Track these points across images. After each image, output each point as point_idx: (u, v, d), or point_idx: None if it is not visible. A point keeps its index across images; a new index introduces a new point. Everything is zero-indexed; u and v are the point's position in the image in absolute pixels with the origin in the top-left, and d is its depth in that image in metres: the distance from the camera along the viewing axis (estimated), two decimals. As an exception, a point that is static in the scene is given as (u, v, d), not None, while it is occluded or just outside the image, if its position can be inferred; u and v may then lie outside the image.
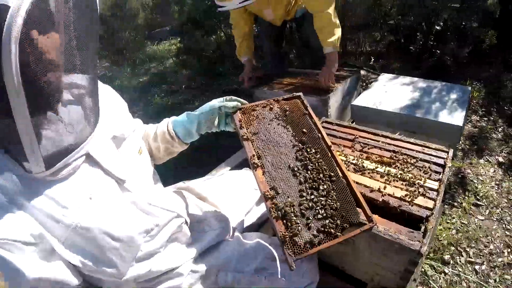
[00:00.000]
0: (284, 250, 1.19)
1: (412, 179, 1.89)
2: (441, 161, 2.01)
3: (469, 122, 4.01)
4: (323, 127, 2.39)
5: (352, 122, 3.34)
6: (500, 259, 2.54)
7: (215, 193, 1.83)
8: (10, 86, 0.75)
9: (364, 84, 4.61)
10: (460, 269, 2.51)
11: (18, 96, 0.77)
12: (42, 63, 0.84)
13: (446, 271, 2.50)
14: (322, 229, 1.26)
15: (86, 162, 1.09)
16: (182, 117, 1.63)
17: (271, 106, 1.71)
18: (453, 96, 3.13)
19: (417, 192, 1.81)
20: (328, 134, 2.28)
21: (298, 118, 1.68)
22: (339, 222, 1.28)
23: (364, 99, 3.19)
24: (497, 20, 5.14)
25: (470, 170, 3.36)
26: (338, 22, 3.14)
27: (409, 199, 1.77)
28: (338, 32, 3.14)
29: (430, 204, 1.74)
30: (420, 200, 1.76)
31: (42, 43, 0.83)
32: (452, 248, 2.65)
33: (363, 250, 1.70)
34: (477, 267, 2.50)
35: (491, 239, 2.69)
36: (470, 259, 2.56)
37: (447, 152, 2.08)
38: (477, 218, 2.86)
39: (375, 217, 1.56)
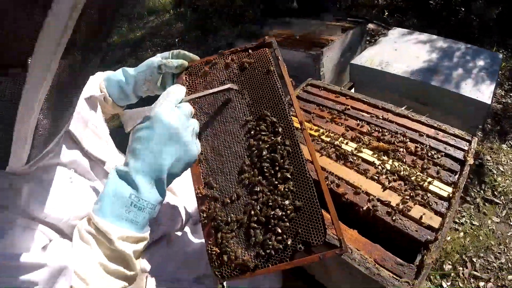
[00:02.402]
0: (211, 268, 0.99)
1: (415, 179, 1.39)
2: (459, 155, 1.44)
3: (493, 96, 3.37)
4: (306, 91, 1.89)
5: (352, 87, 2.75)
6: (510, 277, 2.10)
7: None
8: (40, 67, 0.57)
9: (373, 40, 3.96)
10: (461, 285, 2.04)
11: (42, 83, 0.60)
12: (78, 52, 0.69)
13: (444, 286, 2.04)
14: (262, 249, 0.97)
15: (64, 143, 0.99)
16: (118, 74, 1.33)
17: (226, 61, 1.23)
18: (480, 63, 2.52)
19: (420, 200, 1.31)
20: (310, 102, 1.87)
21: (261, 79, 1.18)
22: (290, 242, 0.95)
23: (367, 58, 2.59)
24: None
25: (490, 156, 2.86)
26: None
27: (407, 211, 1.27)
28: None
29: (435, 222, 1.25)
30: (422, 213, 1.26)
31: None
32: (457, 256, 2.15)
33: (333, 270, 1.37)
34: (481, 284, 2.06)
35: (504, 249, 2.23)
36: (475, 272, 2.11)
37: (470, 142, 1.49)
38: (491, 219, 2.39)
39: (353, 234, 1.26)
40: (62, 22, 0.53)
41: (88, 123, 1.12)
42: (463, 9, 4.43)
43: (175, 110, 0.96)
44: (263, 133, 1.09)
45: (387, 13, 4.96)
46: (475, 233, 2.28)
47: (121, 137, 1.35)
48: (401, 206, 1.27)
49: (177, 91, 1.02)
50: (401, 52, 2.65)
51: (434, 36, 2.89)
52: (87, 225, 0.87)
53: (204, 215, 1.05)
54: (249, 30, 4.34)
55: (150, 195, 0.89)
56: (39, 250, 0.81)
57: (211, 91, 1.10)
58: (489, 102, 2.10)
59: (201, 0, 6.21)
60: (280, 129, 1.07)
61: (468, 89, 2.21)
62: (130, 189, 0.87)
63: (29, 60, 0.55)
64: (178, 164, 0.94)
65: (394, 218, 1.24)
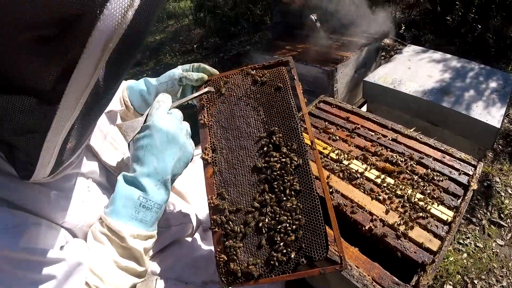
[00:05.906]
0: (218, 274, 1.05)
1: (418, 201, 1.42)
2: (464, 179, 1.47)
3: (506, 116, 3.34)
4: (318, 108, 1.93)
5: (364, 104, 2.78)
6: (510, 301, 2.09)
7: (183, 179, 1.55)
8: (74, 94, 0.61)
9: (388, 56, 3.96)
10: (462, 307, 2.04)
11: (73, 112, 0.65)
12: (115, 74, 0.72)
13: (444, 307, 2.03)
14: (267, 260, 1.03)
15: (84, 156, 1.06)
16: (140, 84, 1.41)
17: (244, 77, 1.30)
18: (493, 84, 2.51)
19: (421, 222, 1.35)
20: (321, 119, 1.92)
21: (276, 96, 1.24)
22: (293, 255, 1.01)
23: (380, 76, 2.60)
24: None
25: (499, 178, 2.79)
26: None
27: (407, 232, 1.31)
28: None
29: (434, 245, 1.28)
30: (422, 236, 1.30)
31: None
32: (458, 277, 2.16)
33: (333, 283, 1.41)
34: (481, 306, 2.06)
35: (506, 273, 2.21)
36: (476, 294, 2.10)
37: (475, 167, 1.51)
38: (495, 242, 2.38)
39: (354, 251, 1.30)
40: (95, 58, 0.58)
41: (107, 136, 1.20)
42: (479, 26, 4.40)
43: (169, 117, 1.07)
44: (275, 150, 1.14)
45: (404, 27, 4.95)
46: (478, 255, 2.26)
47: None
48: (402, 227, 1.31)
49: (166, 99, 1.12)
50: (414, 70, 2.65)
51: (448, 55, 2.88)
52: (100, 227, 0.97)
53: (215, 223, 1.09)
54: (267, 39, 4.39)
55: (157, 196, 1.00)
56: (58, 248, 0.87)
57: (192, 96, 1.24)
58: (498, 126, 2.09)
59: (221, 7, 6.30)
60: (292, 147, 1.13)
61: (478, 111, 2.21)
62: (138, 191, 0.97)
63: (64, 93, 0.60)
64: (179, 164, 1.05)
65: (394, 238, 1.28)
